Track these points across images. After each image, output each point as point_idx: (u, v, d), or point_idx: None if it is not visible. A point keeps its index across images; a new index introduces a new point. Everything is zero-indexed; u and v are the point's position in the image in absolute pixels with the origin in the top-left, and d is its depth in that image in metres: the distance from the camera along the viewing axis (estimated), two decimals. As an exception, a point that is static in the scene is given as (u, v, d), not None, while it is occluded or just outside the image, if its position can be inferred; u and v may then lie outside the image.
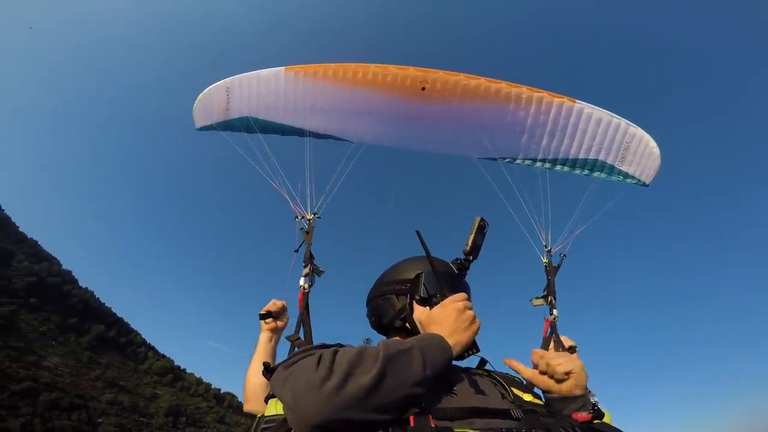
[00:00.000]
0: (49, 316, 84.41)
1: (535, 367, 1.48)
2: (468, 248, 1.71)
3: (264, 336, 2.80)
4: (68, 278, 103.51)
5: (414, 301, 1.69)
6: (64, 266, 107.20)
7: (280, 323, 2.89)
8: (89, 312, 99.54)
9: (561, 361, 1.41)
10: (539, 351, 1.49)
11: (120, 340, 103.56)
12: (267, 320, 2.82)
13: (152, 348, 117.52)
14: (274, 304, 2.92)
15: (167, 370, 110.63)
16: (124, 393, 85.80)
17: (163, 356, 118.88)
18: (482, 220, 1.73)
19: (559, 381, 1.41)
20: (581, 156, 4.96)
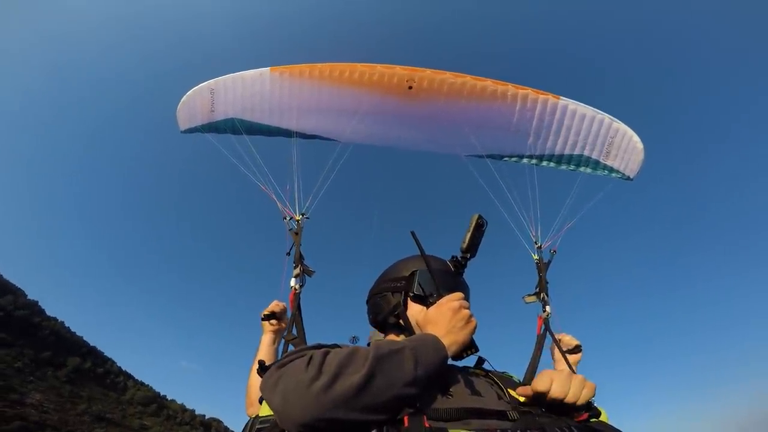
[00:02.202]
0: (22, 351, 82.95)
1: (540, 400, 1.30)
2: (465, 246, 1.68)
3: (267, 338, 2.83)
4: (36, 309, 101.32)
5: (408, 299, 1.69)
6: (30, 296, 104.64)
7: (283, 324, 2.94)
8: (62, 343, 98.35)
9: (579, 393, 1.24)
10: (542, 387, 1.24)
11: (97, 371, 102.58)
12: (271, 321, 2.85)
13: (130, 376, 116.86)
14: (276, 305, 2.96)
15: (150, 399, 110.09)
16: (113, 426, 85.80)
17: (143, 384, 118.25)
18: (480, 217, 1.70)
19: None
20: (566, 152, 5.02)
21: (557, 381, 1.22)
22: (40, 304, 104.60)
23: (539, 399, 1.24)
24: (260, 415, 1.83)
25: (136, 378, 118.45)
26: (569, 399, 1.20)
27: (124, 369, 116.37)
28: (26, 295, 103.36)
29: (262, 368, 1.28)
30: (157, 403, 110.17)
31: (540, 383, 1.23)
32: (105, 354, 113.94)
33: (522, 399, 1.32)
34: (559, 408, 1.26)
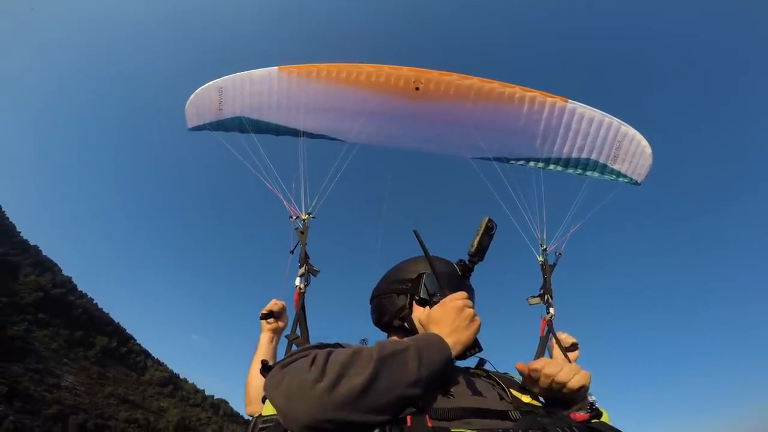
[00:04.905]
0: (58, 331, 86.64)
1: (534, 380, 1.39)
2: (473, 249, 1.65)
3: (265, 336, 2.82)
4: (69, 286, 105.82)
5: (414, 301, 1.70)
6: (64, 271, 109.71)
7: (281, 323, 2.93)
8: (92, 322, 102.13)
9: (570, 375, 1.31)
10: (537, 365, 1.36)
11: (121, 350, 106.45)
12: (269, 320, 2.84)
13: (149, 355, 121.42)
14: (275, 304, 2.95)
15: (167, 380, 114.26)
16: (135, 408, 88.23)
17: (160, 363, 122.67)
18: (490, 220, 1.66)
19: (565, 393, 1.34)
20: (574, 155, 4.98)
21: (550, 362, 1.35)
22: (73, 280, 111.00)
23: (534, 381, 1.37)
24: (263, 414, 1.85)
25: (153, 356, 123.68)
26: (560, 378, 1.30)
27: (143, 346, 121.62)
28: (61, 271, 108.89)
29: (265, 368, 1.28)
30: (173, 384, 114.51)
31: (535, 363, 1.36)
32: (127, 331, 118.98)
33: (525, 399, 1.35)
34: (559, 401, 1.31)
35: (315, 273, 3.60)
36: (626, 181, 5.06)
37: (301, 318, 3.24)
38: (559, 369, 1.32)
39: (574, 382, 1.30)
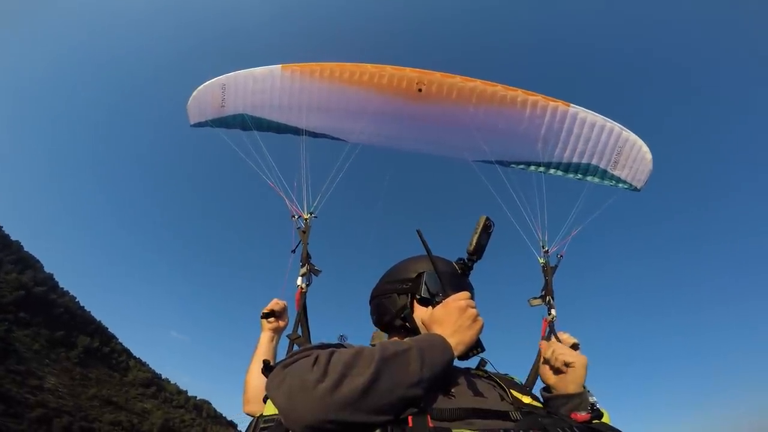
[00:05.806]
0: (39, 331, 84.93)
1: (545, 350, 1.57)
2: (472, 248, 1.66)
3: (265, 336, 2.79)
4: (51, 284, 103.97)
5: (415, 301, 1.68)
6: (46, 268, 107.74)
7: (282, 323, 2.90)
8: (74, 321, 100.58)
9: (565, 351, 1.44)
10: (551, 341, 1.57)
11: (103, 350, 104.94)
12: (270, 319, 2.82)
13: (131, 355, 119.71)
14: (276, 304, 2.91)
15: (149, 380, 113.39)
16: (119, 410, 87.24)
17: (143, 364, 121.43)
18: (488, 219, 1.68)
19: (557, 372, 1.42)
20: (575, 160, 5.01)
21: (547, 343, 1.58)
22: (54, 277, 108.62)
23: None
24: (264, 414, 1.81)
25: (134, 355, 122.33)
26: (560, 349, 1.49)
27: (124, 345, 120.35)
28: (43, 268, 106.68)
29: (267, 368, 1.27)
30: (155, 385, 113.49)
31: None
32: (109, 330, 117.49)
33: (525, 400, 1.35)
34: (556, 402, 1.39)
35: (317, 273, 3.60)
36: (626, 187, 5.10)
37: (302, 318, 3.25)
38: (555, 346, 1.55)
39: (563, 357, 1.46)
